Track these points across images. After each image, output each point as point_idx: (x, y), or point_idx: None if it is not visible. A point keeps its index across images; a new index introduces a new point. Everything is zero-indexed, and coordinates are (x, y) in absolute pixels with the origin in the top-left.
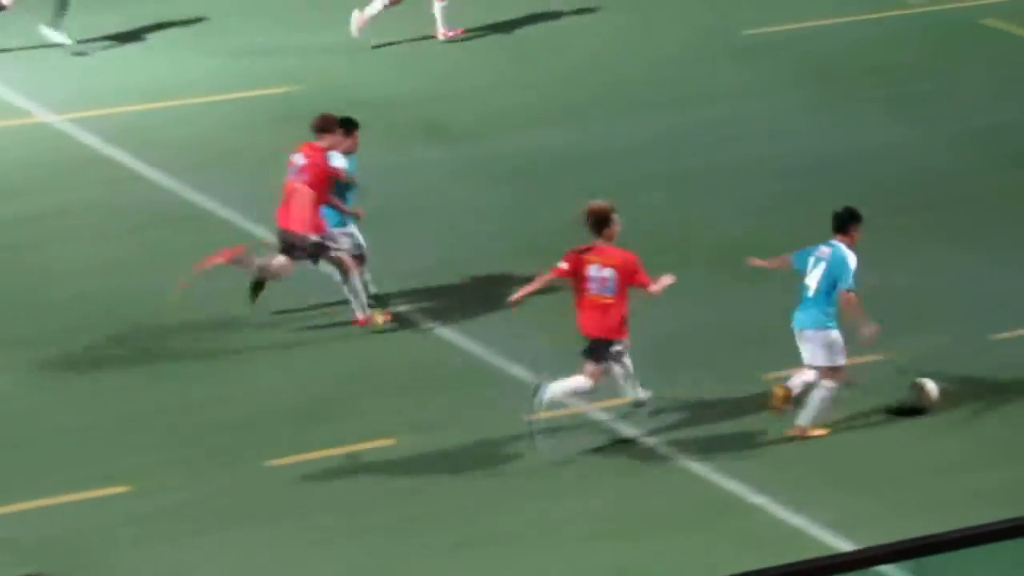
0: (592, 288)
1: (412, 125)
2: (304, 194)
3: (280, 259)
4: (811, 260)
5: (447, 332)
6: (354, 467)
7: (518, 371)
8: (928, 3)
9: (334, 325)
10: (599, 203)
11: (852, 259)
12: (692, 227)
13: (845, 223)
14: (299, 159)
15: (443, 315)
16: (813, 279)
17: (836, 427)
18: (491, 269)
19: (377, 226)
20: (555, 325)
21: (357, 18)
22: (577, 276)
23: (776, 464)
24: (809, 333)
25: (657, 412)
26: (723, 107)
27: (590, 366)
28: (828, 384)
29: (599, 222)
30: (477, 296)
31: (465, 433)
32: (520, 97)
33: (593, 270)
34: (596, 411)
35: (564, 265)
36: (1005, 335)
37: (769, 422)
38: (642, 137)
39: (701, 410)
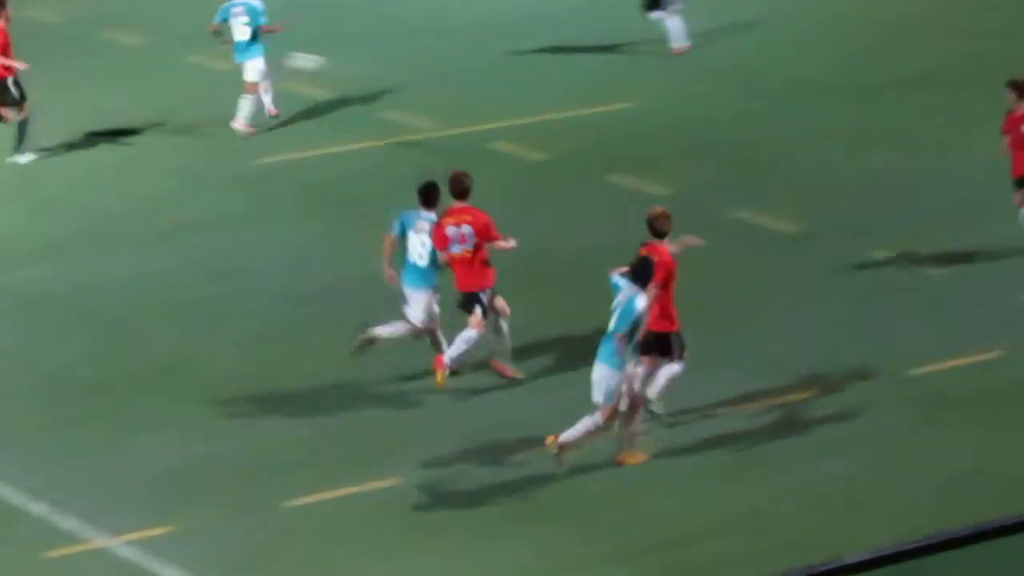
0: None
1: None
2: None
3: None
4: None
5: None
6: None
7: None
8: (436, 129)
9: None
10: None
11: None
12: (197, 358)
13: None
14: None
15: None
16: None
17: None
18: None
19: None
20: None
21: None
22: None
23: None
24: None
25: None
26: (231, 236)
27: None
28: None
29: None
30: None
31: None
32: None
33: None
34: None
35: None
36: None
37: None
38: (149, 267)
39: (220, 542)
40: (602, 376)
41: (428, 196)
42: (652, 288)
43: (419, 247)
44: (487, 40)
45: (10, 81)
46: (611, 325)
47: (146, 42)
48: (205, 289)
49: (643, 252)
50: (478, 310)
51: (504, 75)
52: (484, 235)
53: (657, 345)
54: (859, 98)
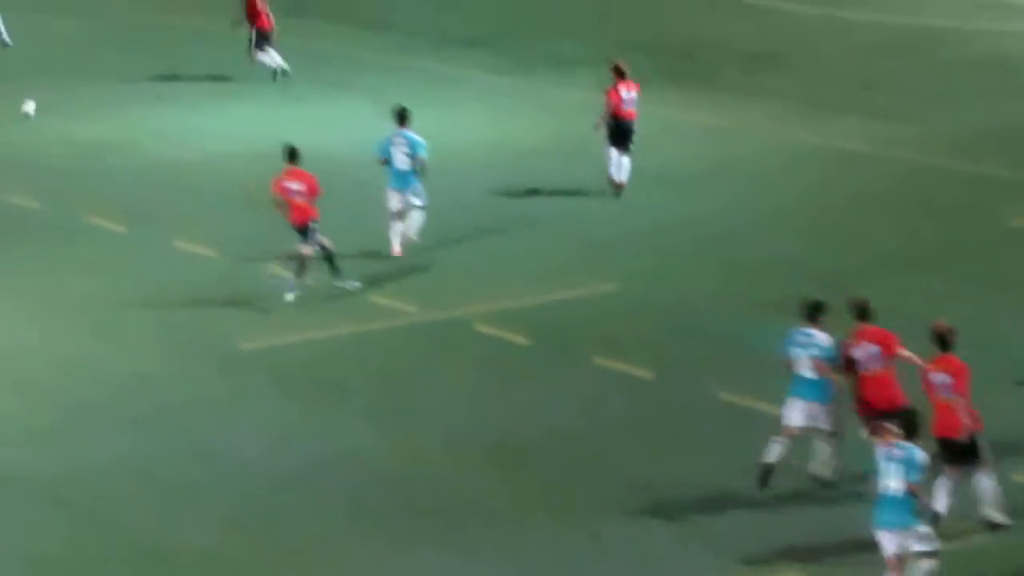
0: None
1: None
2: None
3: None
4: None
5: None
6: None
7: None
8: (420, 313)
9: None
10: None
11: None
12: (177, 542)
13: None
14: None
15: None
16: None
17: None
18: None
19: None
20: None
21: None
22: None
23: None
24: None
25: None
26: (212, 418)
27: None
28: None
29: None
30: None
31: None
32: None
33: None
34: None
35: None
36: None
37: None
38: (129, 450)
39: None
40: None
41: (814, 312)
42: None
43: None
44: (468, 223)
45: None
46: (890, 485)
47: (131, 229)
48: (185, 472)
49: (940, 367)
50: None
51: (485, 259)
52: (889, 352)
53: (963, 451)
54: (834, 276)
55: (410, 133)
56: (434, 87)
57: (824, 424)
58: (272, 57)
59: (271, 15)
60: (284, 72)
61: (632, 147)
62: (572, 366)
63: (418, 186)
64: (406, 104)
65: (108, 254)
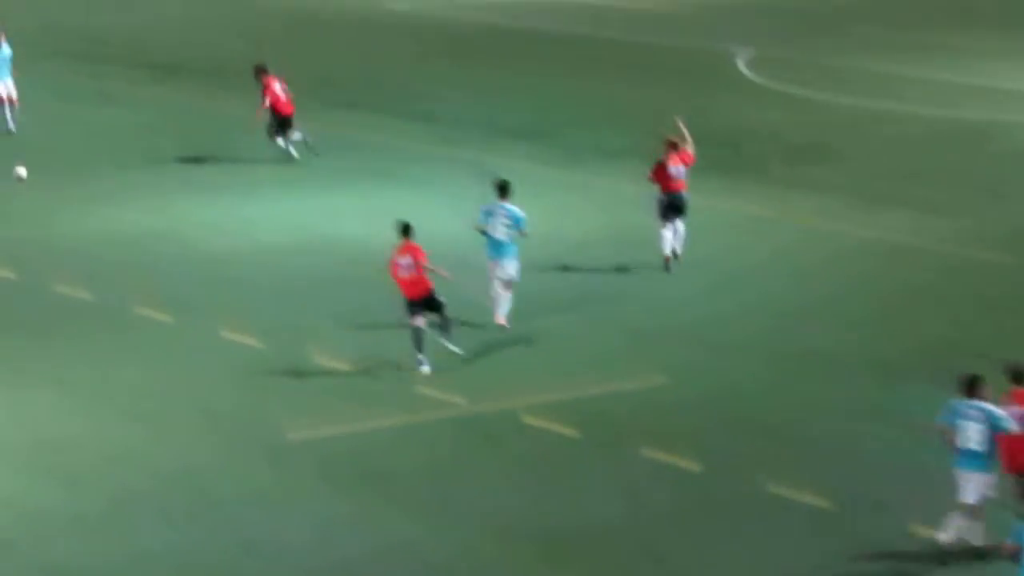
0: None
1: None
2: None
3: None
4: None
5: None
6: None
7: None
8: (468, 404)
9: None
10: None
11: None
12: None
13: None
14: None
15: None
16: None
17: None
18: None
19: None
20: None
21: None
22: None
23: None
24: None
25: None
26: (259, 510)
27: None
28: None
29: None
30: None
31: None
32: None
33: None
34: None
35: None
36: None
37: None
38: (177, 543)
39: None
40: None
41: (973, 385)
42: None
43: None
44: (517, 313)
45: None
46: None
47: (177, 319)
48: (233, 564)
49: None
50: None
51: (535, 350)
52: None
53: None
54: (883, 366)
55: (511, 206)
56: (481, 178)
57: (991, 494)
58: (292, 138)
59: (289, 95)
60: (307, 144)
61: (686, 217)
62: (620, 458)
63: (516, 259)
64: (506, 179)
65: (155, 344)
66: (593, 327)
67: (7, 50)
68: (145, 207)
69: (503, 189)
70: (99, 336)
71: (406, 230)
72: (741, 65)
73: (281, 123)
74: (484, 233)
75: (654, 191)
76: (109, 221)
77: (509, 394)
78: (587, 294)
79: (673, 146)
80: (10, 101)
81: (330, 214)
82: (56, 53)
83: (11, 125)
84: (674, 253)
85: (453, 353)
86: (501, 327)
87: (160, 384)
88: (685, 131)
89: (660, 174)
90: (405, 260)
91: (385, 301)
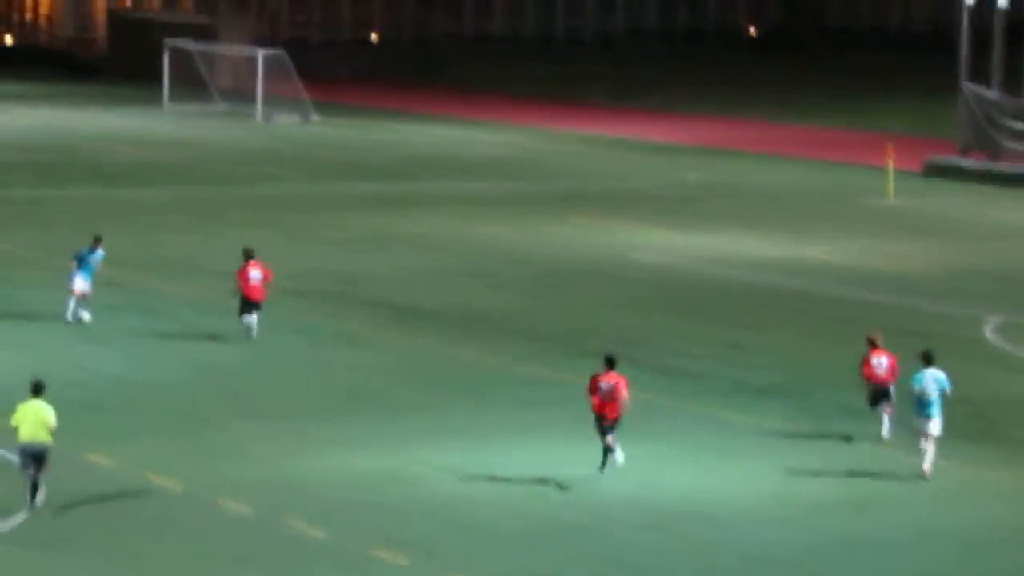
0: None
1: None
2: None
3: None
4: None
5: None
6: None
7: None
8: None
9: None
10: None
11: None
12: None
13: None
14: None
15: None
16: None
17: None
18: None
19: None
20: None
21: None
22: None
23: None
24: None
25: None
26: None
27: None
28: None
29: None
30: None
31: None
32: None
33: None
34: None
35: None
36: None
37: None
38: None
39: None
40: None
41: None
42: None
43: None
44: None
45: None
46: None
47: (413, 563)
48: None
49: None
50: None
51: None
52: None
53: None
54: None
55: (939, 374)
56: (722, 435)
57: None
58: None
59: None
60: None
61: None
62: None
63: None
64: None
65: (169, 515)
66: None
67: (100, 254)
68: (382, 450)
69: (927, 358)
70: (116, 508)
71: None
72: (988, 332)
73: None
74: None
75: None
76: (346, 463)
77: None
78: (823, 559)
79: (872, 343)
80: (83, 295)
81: (568, 463)
82: (306, 293)
83: (71, 315)
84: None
85: None
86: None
87: (173, 558)
88: None
89: (866, 369)
90: None
91: None
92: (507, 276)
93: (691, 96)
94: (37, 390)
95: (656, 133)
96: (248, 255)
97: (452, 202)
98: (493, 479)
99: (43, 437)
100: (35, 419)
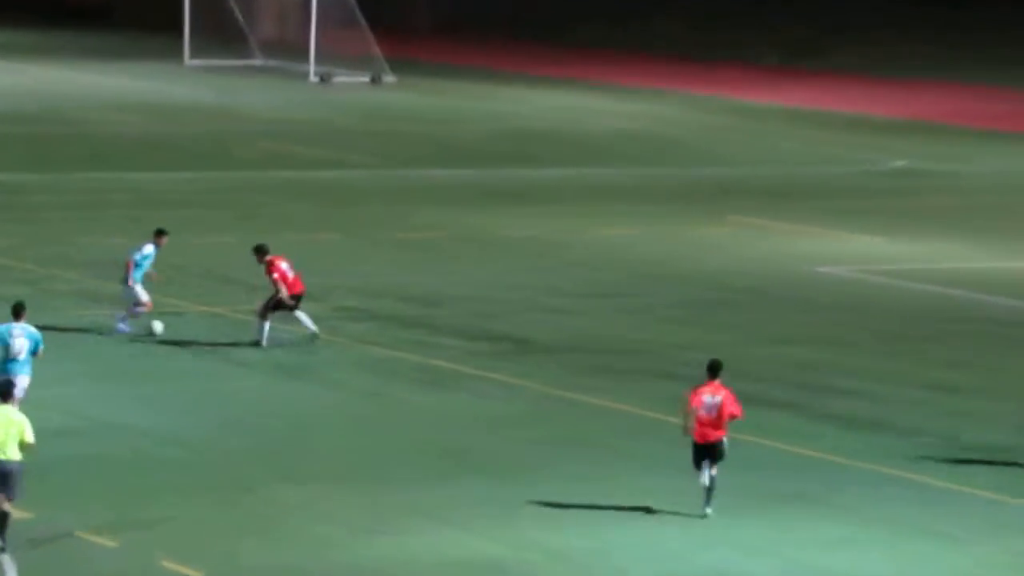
0: None
1: None
2: None
3: None
4: None
5: None
6: None
7: None
8: None
9: None
10: None
11: None
12: None
13: None
14: None
15: None
16: None
17: None
18: None
19: None
20: None
21: None
22: None
23: None
24: None
25: None
26: None
27: None
28: None
29: None
30: None
31: None
32: None
33: None
34: None
35: None
36: None
37: None
38: None
39: None
40: None
41: None
42: None
43: None
44: None
45: None
46: None
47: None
48: None
49: None
50: None
51: None
52: None
53: None
54: None
55: None
56: (929, 506)
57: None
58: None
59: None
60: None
61: None
62: None
63: None
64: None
65: None
66: None
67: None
68: (483, 528)
69: None
70: None
71: None
72: None
73: (278, 304)
74: None
75: None
76: (434, 546)
77: None
78: None
79: None
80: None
81: (731, 545)
82: (375, 316)
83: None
84: None
85: None
86: None
87: None
88: None
89: None
90: None
91: None
92: (644, 296)
93: (892, 55)
94: (4, 394)
95: (844, 102)
96: (262, 250)
97: (569, 195)
98: (622, 572)
99: (11, 454)
100: (2, 430)
